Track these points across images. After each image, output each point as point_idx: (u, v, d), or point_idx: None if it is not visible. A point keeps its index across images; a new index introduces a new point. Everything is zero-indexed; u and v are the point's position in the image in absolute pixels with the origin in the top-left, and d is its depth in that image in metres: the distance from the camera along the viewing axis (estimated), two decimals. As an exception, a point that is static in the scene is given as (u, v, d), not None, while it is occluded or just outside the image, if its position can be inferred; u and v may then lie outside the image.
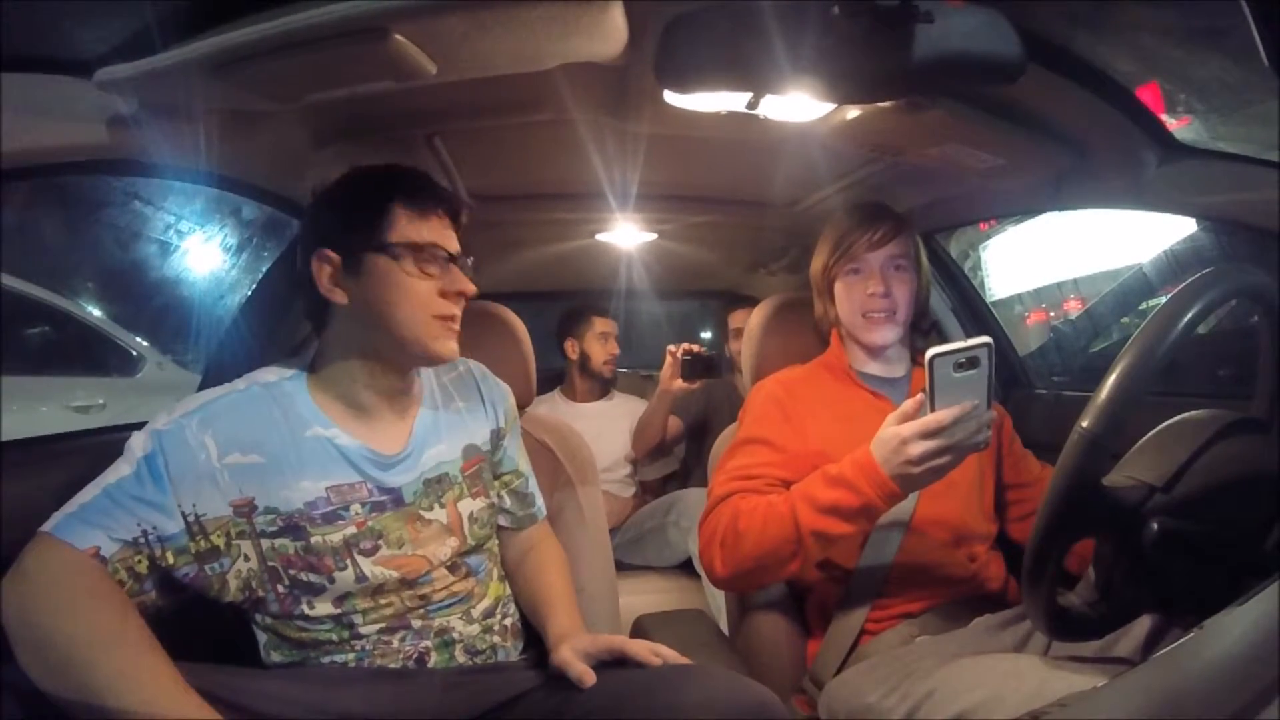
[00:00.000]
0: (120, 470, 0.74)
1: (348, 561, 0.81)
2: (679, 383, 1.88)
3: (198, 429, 0.76)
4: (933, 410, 0.81)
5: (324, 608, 0.80)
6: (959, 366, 0.79)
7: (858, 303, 1.08)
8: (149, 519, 0.72)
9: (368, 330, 0.82)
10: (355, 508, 0.82)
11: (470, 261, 0.88)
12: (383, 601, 0.83)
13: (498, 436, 0.98)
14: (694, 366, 1.86)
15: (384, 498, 0.84)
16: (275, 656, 0.83)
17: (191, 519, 0.74)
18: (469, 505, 0.91)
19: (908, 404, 0.85)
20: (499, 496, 0.99)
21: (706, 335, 3.67)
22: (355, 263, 0.81)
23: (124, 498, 0.72)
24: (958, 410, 0.80)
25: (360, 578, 0.81)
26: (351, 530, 0.81)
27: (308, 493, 0.80)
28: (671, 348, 1.89)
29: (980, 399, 0.81)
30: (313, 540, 0.79)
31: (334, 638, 0.81)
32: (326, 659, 0.82)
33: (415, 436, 0.88)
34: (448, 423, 0.93)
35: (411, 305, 0.81)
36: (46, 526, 0.70)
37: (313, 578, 0.79)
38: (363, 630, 0.82)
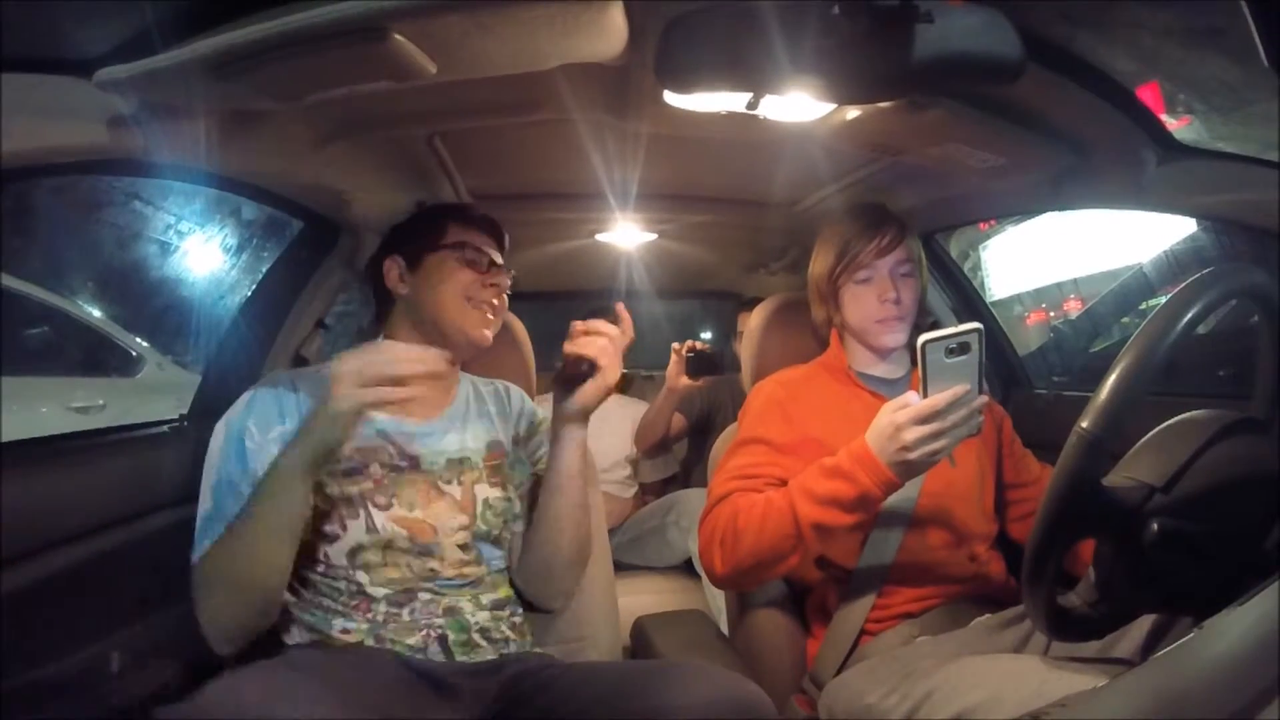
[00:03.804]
0: (204, 508, 0.87)
1: (360, 512, 0.89)
2: (684, 380, 1.89)
3: (241, 418, 0.90)
4: (925, 396, 0.82)
5: (338, 558, 0.87)
6: (950, 352, 0.80)
7: (870, 309, 1.08)
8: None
9: (421, 315, 1.00)
10: (375, 467, 0.92)
11: (511, 274, 1.05)
12: (390, 561, 0.88)
13: (515, 441, 1.07)
14: (698, 363, 1.88)
15: (403, 462, 0.94)
16: (295, 634, 0.88)
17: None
18: (485, 490, 0.98)
19: (900, 399, 0.86)
20: (515, 497, 1.03)
21: (707, 335, 3.67)
22: (415, 263, 1.01)
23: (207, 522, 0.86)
24: (950, 394, 0.81)
25: (371, 528, 0.88)
26: (369, 485, 0.90)
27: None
28: (676, 345, 1.90)
29: (972, 383, 0.82)
30: (329, 491, 0.88)
31: (345, 597, 0.87)
32: (339, 625, 0.85)
33: (443, 418, 1.00)
34: (477, 419, 1.03)
35: (454, 290, 0.99)
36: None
37: (328, 527, 0.88)
38: (370, 590, 0.86)
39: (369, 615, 0.86)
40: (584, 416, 0.95)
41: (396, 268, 1.02)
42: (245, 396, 0.93)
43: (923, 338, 0.80)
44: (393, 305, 1.03)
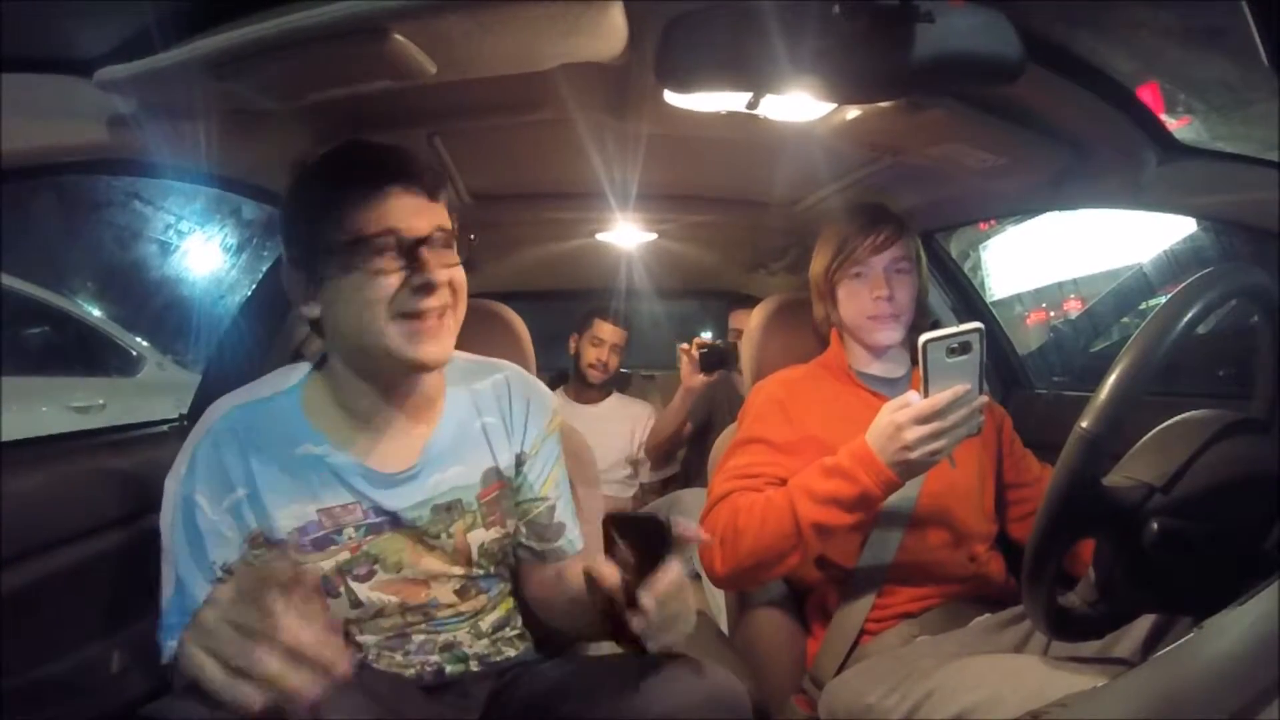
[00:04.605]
0: (166, 591, 0.75)
1: (341, 589, 0.78)
2: (700, 377, 1.87)
3: (186, 484, 0.75)
4: (926, 395, 0.82)
5: None
6: (951, 351, 0.81)
7: (862, 306, 1.09)
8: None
9: (345, 341, 0.76)
10: (349, 531, 0.77)
11: (471, 238, 0.82)
12: (383, 623, 0.80)
13: (520, 461, 0.88)
14: (710, 358, 1.86)
15: (380, 519, 0.79)
16: None
17: (221, 573, 0.74)
18: (480, 535, 0.84)
19: (901, 399, 0.86)
20: (517, 528, 0.89)
21: (707, 335, 3.67)
22: (315, 269, 0.74)
23: (176, 614, 0.74)
24: (950, 394, 0.82)
25: (356, 603, 0.78)
26: (345, 556, 0.77)
27: (298, 517, 0.76)
28: (684, 345, 1.88)
29: (973, 383, 0.83)
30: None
31: None
32: None
33: (426, 455, 0.81)
34: (468, 443, 0.84)
35: (369, 306, 0.71)
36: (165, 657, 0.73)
37: None
38: (360, 639, 0.80)
39: (359, 654, 0.79)
40: None
41: (298, 283, 0.76)
42: (186, 451, 0.76)
43: (924, 337, 0.81)
44: (315, 323, 0.80)
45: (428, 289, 0.72)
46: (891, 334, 1.08)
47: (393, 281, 0.71)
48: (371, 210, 0.71)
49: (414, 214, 0.73)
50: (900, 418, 0.84)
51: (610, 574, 0.64)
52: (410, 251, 0.72)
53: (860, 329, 1.10)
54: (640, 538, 0.64)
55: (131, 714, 0.93)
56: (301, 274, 0.76)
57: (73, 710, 0.88)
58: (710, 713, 0.68)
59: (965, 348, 0.81)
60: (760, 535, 0.92)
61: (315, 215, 0.73)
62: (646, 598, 0.62)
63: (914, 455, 0.84)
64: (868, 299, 1.08)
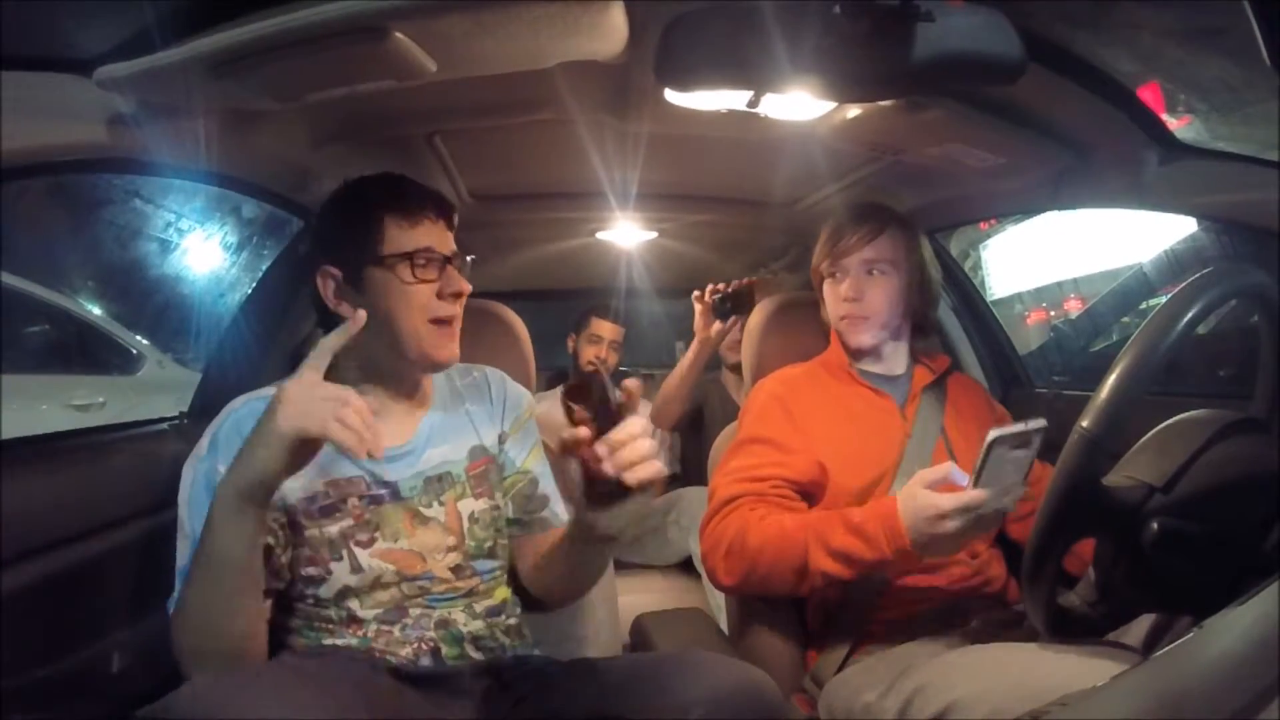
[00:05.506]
0: (182, 561, 0.81)
1: (343, 553, 0.84)
2: (716, 325, 1.72)
3: (208, 459, 0.82)
4: (977, 484, 0.80)
5: (326, 595, 0.84)
6: (1013, 447, 0.78)
7: (835, 306, 1.10)
8: None
9: (372, 339, 0.84)
10: (353, 500, 0.85)
11: (470, 260, 0.91)
12: (381, 595, 0.85)
13: (502, 440, 0.98)
14: (724, 304, 1.69)
15: (381, 491, 0.87)
16: (290, 640, 0.85)
17: None
18: (470, 505, 0.91)
19: (939, 470, 0.84)
20: (505, 502, 0.97)
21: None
22: (355, 277, 0.86)
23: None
24: (999, 490, 0.80)
25: (356, 568, 0.84)
26: (349, 522, 0.85)
27: (306, 488, 0.84)
28: (697, 293, 1.74)
29: (1021, 475, 0.81)
30: (308, 534, 0.83)
31: (335, 624, 0.84)
32: (328, 642, 0.83)
33: (419, 435, 0.91)
34: (455, 425, 0.95)
35: (409, 311, 0.85)
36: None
37: (311, 570, 0.83)
38: (361, 614, 0.84)
39: (359, 633, 0.84)
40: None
41: (333, 282, 0.87)
42: (208, 436, 0.85)
43: (995, 434, 0.77)
44: (338, 322, 0.87)
45: (459, 295, 0.87)
46: (861, 336, 1.08)
47: (428, 290, 0.85)
48: (414, 230, 0.86)
49: (442, 239, 0.88)
50: (946, 505, 0.81)
51: (580, 433, 0.69)
52: (441, 266, 0.86)
53: (837, 329, 1.11)
54: (589, 396, 0.71)
55: (132, 714, 0.94)
56: (339, 276, 0.86)
57: (73, 710, 0.88)
58: (740, 705, 0.71)
59: (1026, 444, 0.79)
60: (771, 566, 0.93)
61: (361, 231, 0.85)
62: (601, 447, 0.69)
63: (949, 543, 0.83)
64: (837, 298, 1.08)
